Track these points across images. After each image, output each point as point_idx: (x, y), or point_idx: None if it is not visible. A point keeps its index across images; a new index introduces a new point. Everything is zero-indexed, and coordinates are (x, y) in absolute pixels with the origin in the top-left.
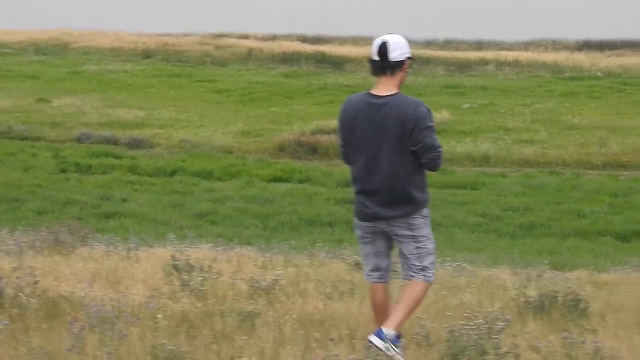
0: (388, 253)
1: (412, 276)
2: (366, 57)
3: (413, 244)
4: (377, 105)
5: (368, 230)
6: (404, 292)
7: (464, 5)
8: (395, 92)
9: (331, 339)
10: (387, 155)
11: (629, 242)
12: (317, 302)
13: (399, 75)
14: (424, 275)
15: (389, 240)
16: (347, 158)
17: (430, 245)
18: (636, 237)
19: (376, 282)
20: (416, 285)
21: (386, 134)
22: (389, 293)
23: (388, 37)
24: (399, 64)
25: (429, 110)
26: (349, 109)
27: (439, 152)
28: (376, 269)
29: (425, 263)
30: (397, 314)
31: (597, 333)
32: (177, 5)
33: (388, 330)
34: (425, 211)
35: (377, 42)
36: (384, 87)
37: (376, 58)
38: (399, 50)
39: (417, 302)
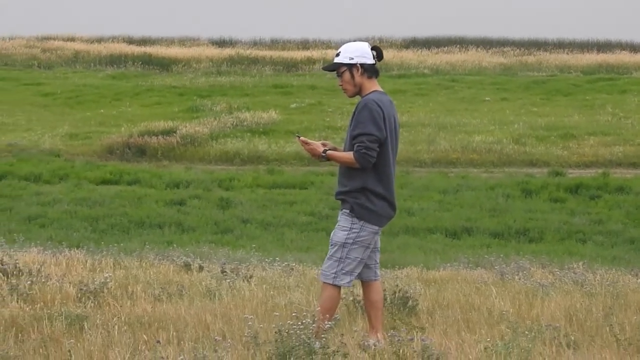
0: None
1: (377, 277)
2: (193, 58)
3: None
4: (393, 105)
5: (377, 235)
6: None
7: (290, 4)
8: None
9: (158, 341)
10: (394, 157)
11: (458, 238)
12: (145, 305)
13: None
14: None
15: None
16: (376, 161)
17: None
18: (466, 233)
19: (375, 280)
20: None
21: (397, 135)
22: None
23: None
24: None
25: None
26: (386, 109)
27: None
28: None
29: None
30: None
31: (426, 330)
32: (2, 8)
33: None
34: None
35: (367, 46)
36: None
37: (374, 61)
38: None
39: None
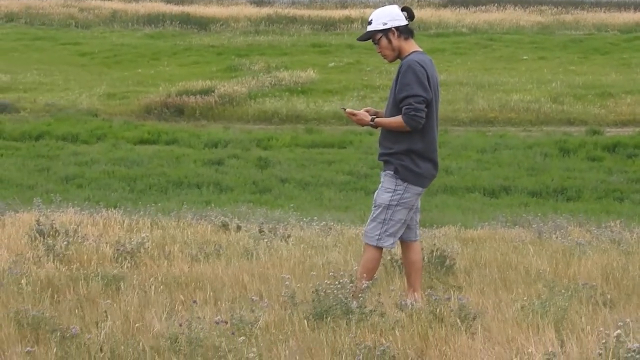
0: None
1: (417, 238)
2: (232, 17)
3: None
4: (434, 64)
5: (419, 196)
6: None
7: None
8: None
9: (195, 301)
10: (437, 116)
11: (496, 197)
12: (182, 265)
13: None
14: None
15: None
16: (424, 122)
17: None
18: (503, 192)
19: (415, 240)
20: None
21: (439, 95)
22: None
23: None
24: None
25: None
26: (429, 69)
27: None
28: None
29: None
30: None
31: (463, 290)
32: None
33: None
34: None
35: (397, 9)
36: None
37: (407, 22)
38: None
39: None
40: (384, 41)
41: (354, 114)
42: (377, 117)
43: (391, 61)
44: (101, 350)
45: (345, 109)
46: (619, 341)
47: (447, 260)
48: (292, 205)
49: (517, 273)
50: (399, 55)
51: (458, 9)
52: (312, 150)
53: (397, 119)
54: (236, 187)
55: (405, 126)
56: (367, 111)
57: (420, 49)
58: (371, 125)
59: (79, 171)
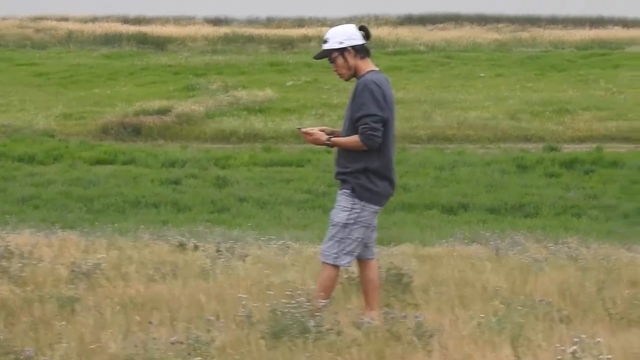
0: None
1: (374, 256)
2: (189, 36)
3: None
4: (389, 83)
5: (376, 214)
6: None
7: None
8: None
9: (150, 322)
10: (394, 135)
11: (454, 214)
12: (138, 285)
13: None
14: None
15: None
16: (381, 141)
17: None
18: (462, 209)
19: (372, 258)
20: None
21: (395, 113)
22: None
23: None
24: None
25: None
26: (385, 88)
27: None
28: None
29: None
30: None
31: (420, 307)
32: None
33: None
34: None
35: (354, 28)
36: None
37: (363, 41)
38: None
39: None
40: (340, 60)
41: (309, 134)
42: (333, 137)
43: (347, 80)
44: None
45: (300, 129)
46: (574, 357)
47: (404, 278)
48: (250, 224)
49: (474, 290)
50: (354, 74)
51: (415, 27)
52: (270, 169)
53: (354, 139)
54: (194, 207)
55: (362, 145)
56: (323, 131)
57: (377, 68)
58: (327, 145)
59: (35, 192)
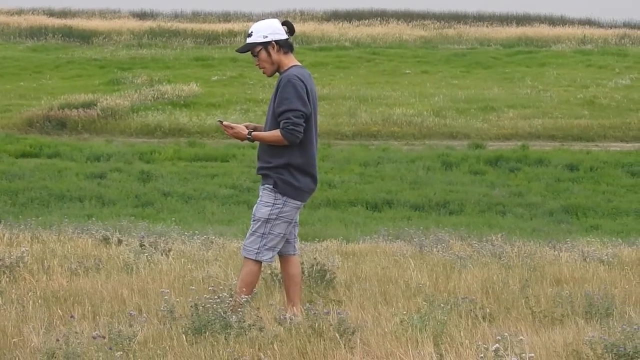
0: None
1: (296, 252)
2: (114, 30)
3: None
4: (312, 79)
5: (298, 210)
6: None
7: None
8: None
9: (72, 316)
10: (317, 130)
11: (379, 211)
12: (61, 279)
13: None
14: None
15: None
16: (303, 136)
17: None
18: (386, 206)
19: (294, 254)
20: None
21: (317, 111)
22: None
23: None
24: None
25: None
26: (308, 83)
27: None
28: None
29: None
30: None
31: (343, 304)
32: None
33: None
34: None
35: (277, 22)
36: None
37: (287, 36)
38: None
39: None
40: (263, 54)
41: (230, 127)
42: (254, 131)
43: (270, 75)
44: None
45: (222, 122)
46: (497, 355)
47: (328, 274)
48: (174, 218)
49: (397, 287)
50: (277, 69)
51: (341, 23)
52: (194, 164)
53: (275, 133)
54: (118, 201)
55: (284, 140)
56: (246, 126)
57: (299, 64)
58: (248, 139)
59: None
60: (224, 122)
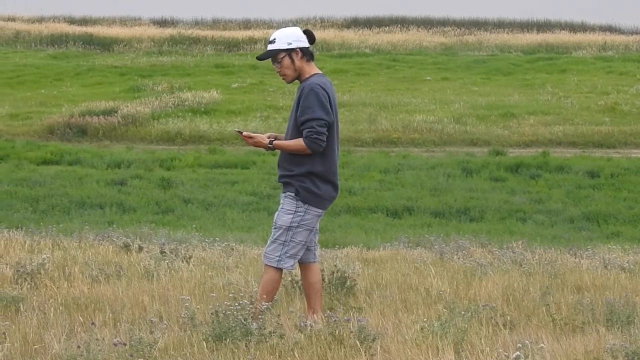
0: None
1: (317, 259)
2: (135, 37)
3: None
4: (333, 87)
5: (319, 218)
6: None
7: None
8: None
9: (93, 323)
10: (338, 138)
11: (399, 218)
12: (82, 286)
13: None
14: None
15: None
16: (325, 144)
17: None
18: (407, 212)
19: (314, 262)
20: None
21: (338, 118)
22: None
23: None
24: None
25: None
26: (330, 92)
27: None
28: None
29: None
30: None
31: (363, 311)
32: None
33: None
34: None
35: (300, 30)
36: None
37: (308, 45)
38: None
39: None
40: (286, 61)
41: (250, 137)
42: (275, 140)
43: (290, 82)
44: None
45: (241, 132)
46: None
47: (348, 281)
48: (194, 225)
49: (417, 294)
50: (298, 76)
51: (361, 30)
52: (215, 171)
53: (298, 142)
54: (139, 208)
55: (307, 149)
56: (268, 136)
57: (320, 72)
58: (269, 148)
59: None
60: (243, 132)
